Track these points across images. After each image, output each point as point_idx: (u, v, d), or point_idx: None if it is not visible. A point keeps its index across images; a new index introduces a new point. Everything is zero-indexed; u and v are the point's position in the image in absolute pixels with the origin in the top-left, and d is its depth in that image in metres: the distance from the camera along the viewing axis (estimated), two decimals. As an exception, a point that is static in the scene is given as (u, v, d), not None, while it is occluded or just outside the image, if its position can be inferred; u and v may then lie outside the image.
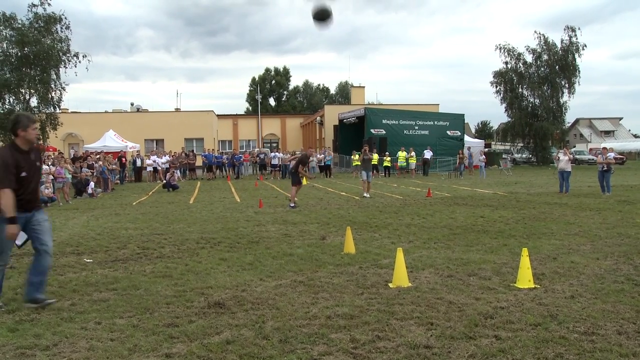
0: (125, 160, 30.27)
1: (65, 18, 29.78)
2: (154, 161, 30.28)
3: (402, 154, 32.06)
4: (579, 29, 45.89)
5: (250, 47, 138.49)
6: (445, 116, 39.42)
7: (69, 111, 44.51)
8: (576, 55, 45.40)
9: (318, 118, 48.39)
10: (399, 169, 32.47)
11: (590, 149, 56.00)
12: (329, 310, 5.09)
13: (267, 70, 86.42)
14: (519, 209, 13.51)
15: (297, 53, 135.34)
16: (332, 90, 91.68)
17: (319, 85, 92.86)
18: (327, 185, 24.01)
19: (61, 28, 29.78)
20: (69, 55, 30.04)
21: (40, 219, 5.43)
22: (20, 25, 28.81)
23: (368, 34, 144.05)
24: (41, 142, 29.65)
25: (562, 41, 45.71)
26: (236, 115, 63.96)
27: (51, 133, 30.40)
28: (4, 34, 28.75)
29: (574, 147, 61.20)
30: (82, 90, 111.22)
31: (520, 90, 47.31)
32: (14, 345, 4.30)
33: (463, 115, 39.69)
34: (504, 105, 47.90)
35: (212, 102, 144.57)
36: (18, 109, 28.99)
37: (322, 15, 6.99)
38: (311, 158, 16.74)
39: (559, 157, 19.41)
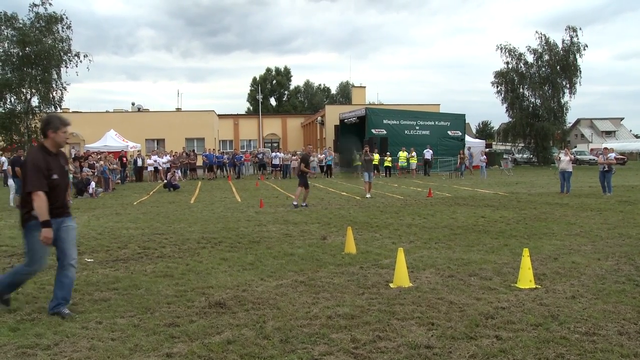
0: (126, 160, 30.29)
1: (67, 18, 29.88)
2: (155, 161, 30.30)
3: (403, 154, 32.08)
4: (580, 29, 45.85)
5: (251, 47, 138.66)
6: (446, 116, 39.40)
7: (70, 111, 44.49)
8: (577, 56, 45.38)
9: (319, 118, 48.38)
10: (399, 169, 32.46)
11: (591, 149, 55.93)
12: (330, 310, 5.09)
13: (268, 70, 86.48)
14: (520, 209, 13.50)
15: (298, 53, 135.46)
16: (333, 90, 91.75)
17: (319, 85, 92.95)
18: (328, 185, 24.01)
19: (62, 28, 29.85)
20: (70, 55, 30.10)
21: (69, 227, 5.19)
22: (21, 25, 28.86)
23: (369, 34, 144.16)
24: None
25: (563, 41, 45.73)
26: (237, 115, 63.94)
27: (52, 133, 30.39)
28: (6, 33, 28.81)
29: (575, 147, 61.19)
30: (83, 90, 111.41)
31: (521, 90, 47.28)
32: (15, 344, 4.31)
33: (464, 115, 39.68)
34: (505, 105, 47.93)
35: (213, 102, 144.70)
36: (19, 108, 29.04)
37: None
38: (311, 157, 16.73)
39: (560, 158, 19.40)
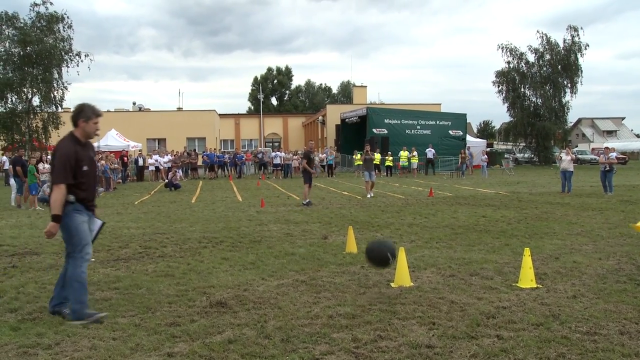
0: (127, 159, 30.32)
1: (68, 17, 29.87)
2: (156, 160, 30.32)
3: (404, 154, 32.08)
4: (581, 28, 45.70)
5: (253, 46, 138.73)
6: (448, 116, 39.39)
7: (71, 110, 44.54)
8: (578, 55, 45.28)
9: (320, 117, 48.40)
10: (400, 168, 32.47)
11: (593, 149, 55.91)
12: (331, 310, 5.08)
13: (269, 69, 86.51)
14: (521, 208, 13.49)
15: (300, 52, 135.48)
16: (334, 90, 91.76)
17: (321, 84, 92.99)
18: (329, 185, 24.01)
19: (63, 27, 29.85)
20: (71, 54, 30.10)
21: (94, 226, 5.10)
22: (22, 25, 28.88)
23: (370, 34, 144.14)
24: (43, 141, 29.73)
25: (564, 41, 45.63)
26: (238, 114, 64.03)
27: (53, 132, 30.42)
28: (7, 33, 28.82)
29: (576, 147, 61.17)
30: (84, 90, 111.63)
31: (522, 90, 47.19)
32: (17, 344, 4.31)
33: (465, 114, 39.67)
34: (506, 105, 47.83)
35: (214, 101, 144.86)
36: (20, 108, 29.06)
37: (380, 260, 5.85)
38: (312, 155, 16.72)
39: (561, 157, 19.39)
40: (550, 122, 45.31)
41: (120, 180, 27.46)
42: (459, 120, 38.79)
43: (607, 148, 18.90)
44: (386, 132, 35.42)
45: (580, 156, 46.57)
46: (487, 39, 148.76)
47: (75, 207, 4.89)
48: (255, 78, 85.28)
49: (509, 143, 52.78)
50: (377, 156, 29.29)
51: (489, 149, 44.88)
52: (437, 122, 37.80)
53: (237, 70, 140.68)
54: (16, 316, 5.05)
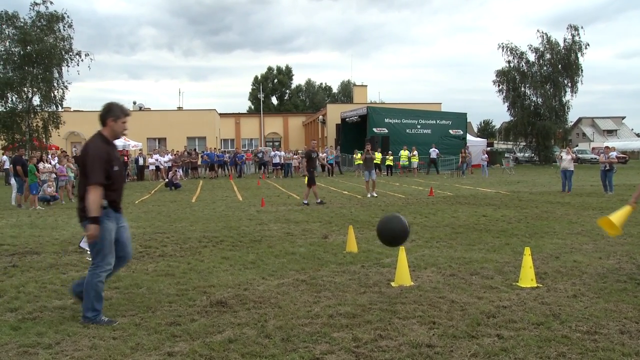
0: (128, 158, 30.32)
1: (68, 16, 29.84)
2: (157, 160, 30.32)
3: (404, 153, 32.08)
4: (582, 27, 45.65)
5: (253, 45, 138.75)
6: (448, 115, 39.38)
7: (72, 110, 44.54)
8: (579, 54, 45.26)
9: (320, 117, 48.38)
10: (401, 168, 32.47)
11: (593, 148, 55.84)
12: (331, 309, 5.08)
13: (270, 69, 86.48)
14: (522, 208, 13.49)
15: (300, 52, 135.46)
16: (335, 89, 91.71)
17: (321, 84, 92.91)
18: (330, 184, 24.01)
19: (64, 26, 29.82)
20: (71, 53, 30.07)
21: (125, 224, 5.05)
22: (22, 24, 28.85)
23: (371, 33, 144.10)
24: (43, 140, 29.73)
25: (565, 40, 45.61)
26: (238, 114, 64.03)
27: (54, 132, 30.42)
28: (7, 32, 28.80)
29: (577, 146, 61.12)
30: (84, 89, 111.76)
31: (522, 89, 47.18)
32: (17, 343, 4.31)
33: (465, 114, 39.66)
34: (506, 104, 47.83)
35: (215, 100, 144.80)
36: (20, 107, 29.04)
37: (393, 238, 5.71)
38: (313, 154, 16.73)
39: (561, 156, 19.38)
40: (550, 121, 45.29)
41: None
42: (460, 119, 38.78)
43: (607, 147, 18.91)
44: (386, 131, 35.42)
45: (580, 155, 46.51)
46: (488, 38, 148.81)
47: (107, 212, 4.81)
48: (256, 77, 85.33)
49: (509, 142, 52.76)
50: (378, 155, 29.30)
51: (489, 148, 44.85)
52: (438, 121, 37.80)
53: (237, 70, 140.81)
54: (16, 315, 5.05)
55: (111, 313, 5.07)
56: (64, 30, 29.92)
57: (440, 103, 47.64)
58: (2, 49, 28.97)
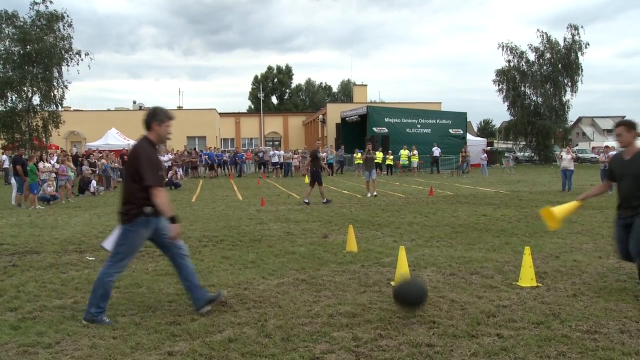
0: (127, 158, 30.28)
1: (68, 16, 29.79)
2: (156, 159, 30.28)
3: (404, 152, 32.07)
4: (582, 27, 45.61)
5: (253, 45, 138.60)
6: (448, 114, 39.36)
7: (72, 109, 44.55)
8: (579, 54, 45.23)
9: (320, 116, 48.37)
10: (401, 167, 32.47)
11: (593, 148, 55.71)
12: (331, 309, 5.08)
13: (270, 68, 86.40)
14: (522, 207, 13.49)
15: (300, 51, 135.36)
16: (335, 89, 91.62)
17: (321, 83, 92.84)
18: (330, 184, 24.00)
19: (63, 26, 29.78)
20: (71, 53, 30.04)
21: (166, 225, 5.00)
22: (22, 23, 28.81)
23: (371, 32, 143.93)
24: (43, 140, 29.71)
25: (565, 39, 45.57)
26: (238, 113, 64.01)
27: (53, 131, 30.41)
28: (6, 32, 28.76)
29: (577, 145, 61.08)
30: (84, 88, 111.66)
31: (522, 88, 47.14)
32: (17, 343, 4.31)
33: (465, 113, 39.63)
34: (506, 103, 47.79)
35: (215, 100, 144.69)
36: (20, 107, 29.02)
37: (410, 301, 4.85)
38: (320, 154, 16.76)
39: (561, 156, 19.37)
40: (550, 120, 45.28)
41: (121, 179, 27.46)
42: (460, 119, 38.76)
43: (607, 147, 18.91)
44: (386, 130, 35.40)
45: (580, 155, 46.51)
46: (488, 37, 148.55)
47: (148, 221, 4.81)
48: (256, 77, 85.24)
49: (509, 142, 52.73)
50: (379, 155, 29.29)
51: (489, 147, 44.83)
52: (438, 120, 37.77)
53: (237, 69, 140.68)
54: (16, 315, 5.05)
55: (111, 312, 5.07)
56: (64, 29, 29.88)
57: (440, 102, 47.62)
58: (2, 48, 28.92)
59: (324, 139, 46.12)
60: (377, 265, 7.05)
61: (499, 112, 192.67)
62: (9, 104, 29.06)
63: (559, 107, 46.45)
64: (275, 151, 33.46)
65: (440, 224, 10.81)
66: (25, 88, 29.29)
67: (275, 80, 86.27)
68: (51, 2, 29.18)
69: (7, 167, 26.39)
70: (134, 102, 52.33)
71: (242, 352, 4.05)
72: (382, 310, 5.03)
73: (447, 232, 9.75)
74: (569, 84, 45.96)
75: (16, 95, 29.24)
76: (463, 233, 9.60)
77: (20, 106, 29.18)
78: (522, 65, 46.69)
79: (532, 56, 46.46)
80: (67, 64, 30.10)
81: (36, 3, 28.88)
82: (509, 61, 46.86)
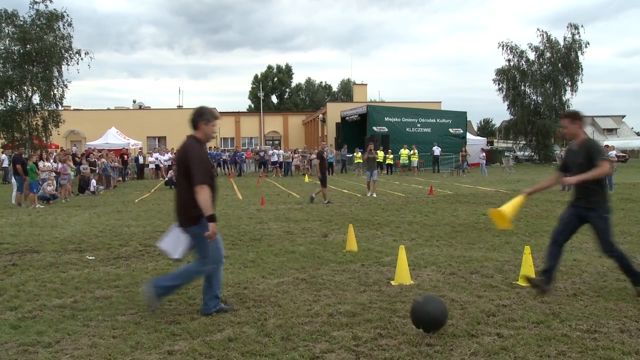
0: (128, 157, 30.32)
1: (68, 15, 29.77)
2: (156, 158, 30.33)
3: (404, 152, 32.07)
4: (582, 26, 45.58)
5: (253, 44, 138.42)
6: (448, 114, 39.36)
7: (71, 108, 44.52)
8: (579, 53, 45.17)
9: (320, 116, 48.35)
10: (401, 166, 32.47)
11: (593, 147, 55.68)
12: (331, 308, 5.08)
13: (270, 67, 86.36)
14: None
15: (300, 50, 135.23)
16: (335, 88, 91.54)
17: (321, 82, 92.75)
18: (329, 183, 23.95)
19: (63, 25, 29.75)
20: (71, 52, 30.02)
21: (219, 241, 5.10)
22: (22, 23, 28.79)
23: (371, 32, 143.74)
24: (43, 139, 29.70)
25: (565, 39, 45.51)
26: (238, 112, 63.95)
27: (53, 130, 30.40)
28: (6, 31, 28.73)
29: (577, 144, 60.86)
30: (84, 88, 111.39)
31: (522, 88, 47.10)
32: (17, 342, 4.31)
33: (465, 112, 39.66)
34: (506, 103, 47.74)
35: (215, 99, 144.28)
36: (20, 106, 29.01)
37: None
38: (326, 154, 16.75)
39: (561, 155, 19.36)
40: (550, 120, 45.23)
41: (121, 179, 27.48)
42: (459, 118, 38.77)
43: (606, 146, 18.90)
44: (386, 130, 35.40)
45: (580, 154, 46.37)
46: (488, 37, 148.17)
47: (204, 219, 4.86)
48: (256, 76, 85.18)
49: (509, 141, 52.69)
50: (381, 154, 29.29)
51: (489, 147, 44.80)
52: (438, 120, 37.78)
53: (237, 68, 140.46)
54: (16, 314, 5.05)
55: (111, 312, 5.07)
56: (64, 28, 29.84)
57: (440, 102, 47.54)
58: (2, 48, 28.89)
59: (324, 138, 46.12)
60: (377, 264, 7.05)
61: (499, 112, 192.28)
62: (9, 103, 29.04)
63: (559, 107, 46.38)
64: (275, 150, 33.47)
65: (440, 223, 10.81)
66: (25, 87, 29.27)
67: (275, 79, 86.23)
68: (51, 1, 29.16)
69: (7, 166, 26.38)
70: (134, 102, 52.34)
71: (242, 352, 4.05)
72: (382, 310, 5.03)
73: (447, 231, 9.75)
74: (569, 83, 45.92)
75: (16, 95, 29.22)
76: (463, 232, 9.60)
77: (20, 105, 29.16)
78: (522, 64, 46.65)
79: (532, 55, 46.44)
80: (67, 63, 30.08)
81: (36, 2, 28.86)
82: (509, 60, 46.84)
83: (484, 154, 33.25)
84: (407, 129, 36.35)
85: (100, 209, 14.69)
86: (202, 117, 5.00)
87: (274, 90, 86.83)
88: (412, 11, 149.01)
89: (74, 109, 45.34)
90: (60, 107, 31.05)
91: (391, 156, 31.81)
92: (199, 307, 5.16)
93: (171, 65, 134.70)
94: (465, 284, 5.98)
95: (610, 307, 5.01)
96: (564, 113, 5.70)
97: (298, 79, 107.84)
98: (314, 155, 29.49)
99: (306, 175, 29.12)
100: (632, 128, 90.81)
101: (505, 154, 42.43)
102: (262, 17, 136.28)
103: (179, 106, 53.15)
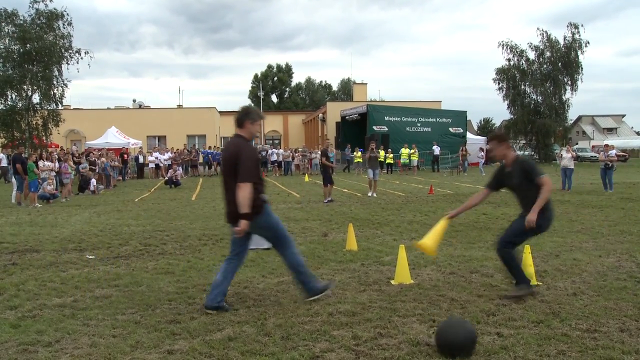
0: (128, 156, 30.30)
1: (68, 14, 29.74)
2: (157, 158, 30.33)
3: (405, 151, 32.07)
4: (582, 25, 45.52)
5: (253, 43, 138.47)
6: (448, 113, 39.37)
7: (71, 107, 44.49)
8: (579, 52, 45.15)
9: (320, 115, 48.34)
10: (401, 166, 32.47)
11: (593, 146, 55.81)
12: (331, 307, 5.08)
13: (270, 67, 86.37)
14: (445, 231, 13.40)
15: (300, 50, 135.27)
16: (335, 87, 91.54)
17: (321, 82, 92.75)
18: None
19: (63, 24, 29.72)
20: (71, 51, 29.99)
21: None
22: (22, 22, 28.77)
23: (371, 31, 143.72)
24: (43, 138, 29.70)
25: (565, 38, 45.49)
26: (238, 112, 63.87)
27: (53, 129, 30.39)
28: (6, 30, 28.71)
29: (577, 144, 61.06)
30: (84, 87, 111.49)
31: (522, 87, 47.08)
32: (17, 341, 4.31)
33: (465, 112, 39.69)
34: (506, 102, 47.72)
35: (215, 98, 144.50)
36: (20, 105, 28.99)
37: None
38: (330, 153, 16.76)
39: (561, 155, 19.37)
40: (550, 119, 45.23)
41: (121, 178, 27.47)
42: (459, 117, 38.77)
43: (607, 145, 18.89)
44: (386, 129, 35.40)
45: (580, 154, 46.47)
46: (488, 36, 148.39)
47: (268, 206, 5.20)
48: (256, 75, 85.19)
49: (509, 140, 52.68)
50: (381, 153, 29.27)
51: (489, 146, 44.77)
52: (438, 119, 37.79)
53: (237, 68, 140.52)
54: (16, 313, 5.05)
55: (111, 311, 5.07)
56: (64, 28, 29.79)
57: (440, 101, 47.55)
58: (2, 47, 28.87)
59: (324, 137, 46.12)
60: (377, 263, 7.05)
61: (499, 111, 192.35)
62: (9, 103, 29.02)
63: (559, 106, 46.39)
64: (275, 149, 33.47)
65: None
66: (25, 86, 29.24)
67: (275, 78, 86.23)
68: (51, 0, 29.15)
69: (6, 165, 26.37)
70: (134, 101, 52.22)
71: (242, 351, 4.05)
72: (381, 309, 5.03)
73: (446, 230, 9.72)
74: (569, 82, 45.89)
75: (16, 94, 29.19)
76: (463, 232, 9.60)
77: (20, 105, 29.14)
78: (522, 63, 46.62)
79: (532, 55, 46.42)
80: (67, 63, 30.04)
81: (36, 1, 28.81)
82: (509, 60, 46.81)
83: (483, 153, 33.23)
84: (407, 129, 36.35)
85: (100, 208, 14.69)
86: (248, 116, 5.19)
87: (274, 89, 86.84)
88: (412, 10, 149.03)
89: (74, 108, 45.29)
90: (60, 107, 31.01)
91: (391, 155, 31.80)
92: (199, 307, 5.17)
93: (171, 64, 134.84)
94: (465, 283, 5.98)
95: (610, 307, 5.01)
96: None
97: (298, 78, 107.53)
98: (318, 154, 29.44)
99: (306, 175, 29.12)
100: (632, 127, 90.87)
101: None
102: (262, 17, 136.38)
103: (179, 105, 53.10)
